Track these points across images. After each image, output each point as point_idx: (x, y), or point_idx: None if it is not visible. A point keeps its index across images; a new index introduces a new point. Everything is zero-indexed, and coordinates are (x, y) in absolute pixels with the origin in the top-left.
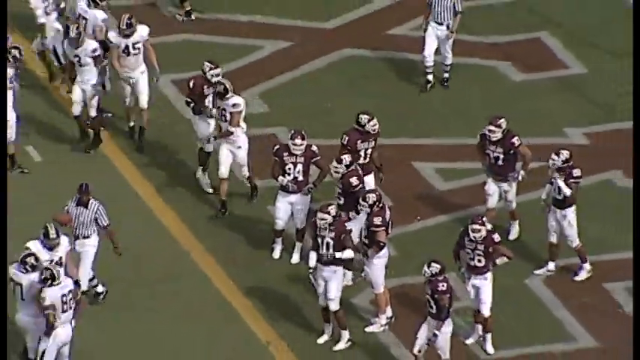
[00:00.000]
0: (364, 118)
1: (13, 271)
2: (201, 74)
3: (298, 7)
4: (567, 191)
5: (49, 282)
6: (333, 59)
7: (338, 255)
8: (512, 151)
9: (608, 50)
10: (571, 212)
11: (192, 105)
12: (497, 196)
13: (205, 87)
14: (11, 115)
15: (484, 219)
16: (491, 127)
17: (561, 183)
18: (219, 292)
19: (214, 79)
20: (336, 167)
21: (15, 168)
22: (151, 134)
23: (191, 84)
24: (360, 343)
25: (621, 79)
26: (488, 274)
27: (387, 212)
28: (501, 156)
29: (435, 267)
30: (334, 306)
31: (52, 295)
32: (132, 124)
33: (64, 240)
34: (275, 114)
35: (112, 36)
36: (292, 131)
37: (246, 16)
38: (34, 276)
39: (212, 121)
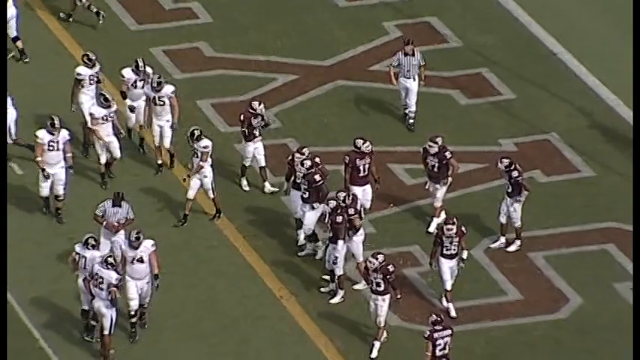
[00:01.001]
0: (359, 142)
1: (77, 247)
2: (248, 109)
3: (303, 50)
4: (524, 195)
5: (105, 265)
6: (329, 88)
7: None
8: (445, 162)
9: (531, 81)
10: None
11: (245, 132)
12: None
13: (252, 119)
14: (114, 139)
15: (454, 218)
16: (430, 143)
17: (518, 202)
18: (245, 259)
19: (261, 112)
20: (299, 169)
21: (109, 175)
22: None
23: (242, 117)
24: (349, 297)
25: (541, 103)
26: (457, 256)
27: (358, 203)
28: (437, 164)
29: (381, 256)
30: (339, 271)
31: (99, 271)
32: (160, 161)
33: (148, 242)
34: (286, 128)
35: (147, 88)
36: (298, 146)
37: (264, 57)
38: (95, 253)
39: (250, 145)
